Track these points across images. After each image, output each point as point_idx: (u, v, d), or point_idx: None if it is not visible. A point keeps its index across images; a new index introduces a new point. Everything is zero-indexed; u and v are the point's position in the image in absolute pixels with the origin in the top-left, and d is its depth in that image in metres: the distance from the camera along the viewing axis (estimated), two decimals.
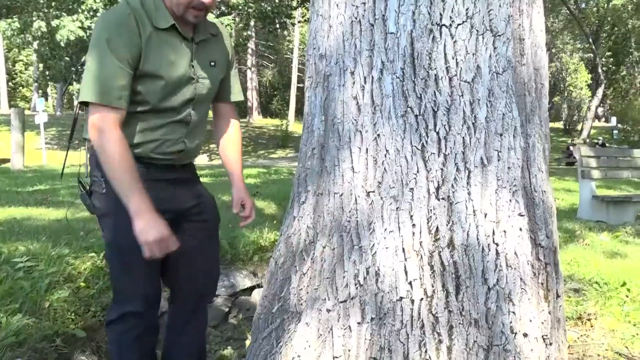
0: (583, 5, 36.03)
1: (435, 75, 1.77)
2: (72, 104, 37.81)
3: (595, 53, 32.73)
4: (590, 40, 33.18)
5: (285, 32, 30.42)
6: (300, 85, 36.65)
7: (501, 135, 1.77)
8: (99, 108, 1.54)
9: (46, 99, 39.74)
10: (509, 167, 1.77)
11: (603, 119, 42.56)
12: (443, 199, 1.74)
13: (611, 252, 3.76)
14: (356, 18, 1.89)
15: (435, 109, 1.77)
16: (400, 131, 1.79)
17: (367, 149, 1.84)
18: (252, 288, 2.97)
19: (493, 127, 1.77)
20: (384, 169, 1.81)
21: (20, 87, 42.71)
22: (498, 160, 1.76)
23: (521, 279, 1.74)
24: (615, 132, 25.81)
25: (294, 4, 20.51)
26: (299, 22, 24.56)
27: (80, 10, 17.67)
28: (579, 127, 35.27)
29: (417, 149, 1.77)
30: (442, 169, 1.75)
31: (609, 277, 3.14)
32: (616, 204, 5.05)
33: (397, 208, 1.78)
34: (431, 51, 1.78)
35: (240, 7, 20.77)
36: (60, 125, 26.60)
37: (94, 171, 1.73)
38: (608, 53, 38.15)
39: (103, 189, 1.69)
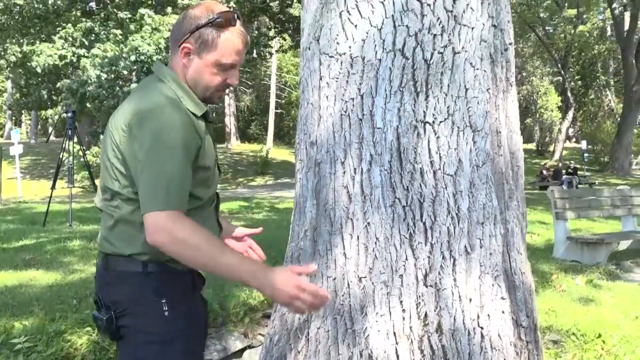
0: (551, 31, 37.27)
1: (421, 168, 1.90)
2: (46, 130, 37.29)
3: (564, 77, 33.84)
4: (559, 65, 34.32)
5: (263, 61, 30.75)
6: (278, 110, 36.94)
7: (482, 224, 1.90)
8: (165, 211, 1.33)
9: (20, 126, 39.19)
10: (490, 254, 1.90)
11: (574, 140, 43.73)
12: (431, 285, 1.86)
13: (586, 299, 3.93)
14: (345, 112, 2.01)
15: (421, 200, 1.89)
16: (389, 220, 1.91)
17: (358, 236, 1.95)
18: (243, 350, 3.03)
19: (475, 216, 1.90)
20: (375, 255, 1.92)
21: None
22: (480, 247, 1.89)
23: (505, 359, 1.85)
24: (585, 154, 26.52)
25: (271, 34, 20.83)
26: (276, 51, 24.90)
27: (56, 39, 17.58)
28: (551, 149, 36.24)
29: (406, 237, 1.89)
30: (429, 257, 1.87)
31: (585, 328, 3.28)
32: (589, 245, 5.27)
33: (387, 293, 1.88)
34: (416, 146, 1.91)
35: None
36: (35, 153, 26.24)
37: (140, 294, 1.46)
38: (576, 77, 39.43)
39: (165, 311, 1.45)
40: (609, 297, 4.00)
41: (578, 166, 24.77)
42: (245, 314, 3.12)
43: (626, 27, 27.96)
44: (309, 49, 2.21)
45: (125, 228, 1.45)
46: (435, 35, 1.93)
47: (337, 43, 2.05)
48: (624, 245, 5.55)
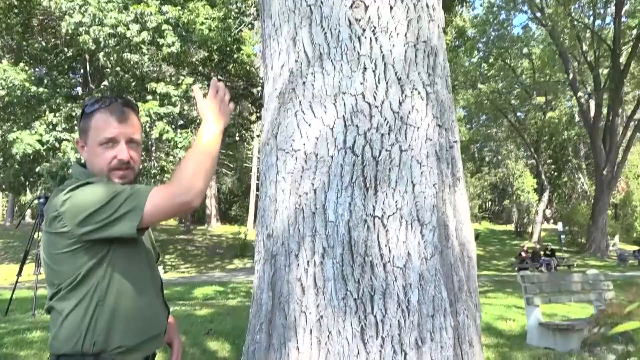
0: (522, 117, 39.00)
1: (371, 261, 1.95)
2: (23, 213, 36.70)
3: (537, 160, 35.03)
4: (532, 149, 35.63)
5: (245, 143, 31.41)
6: (259, 192, 37.13)
7: (432, 316, 1.93)
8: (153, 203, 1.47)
9: None
10: (441, 347, 1.91)
11: (552, 221, 44.45)
12: None
13: None
14: (299, 205, 2.09)
15: (372, 293, 1.93)
16: (341, 313, 1.93)
17: (311, 330, 1.96)
18: None
19: (425, 309, 1.93)
20: (327, 349, 1.91)
21: None
22: (431, 340, 1.91)
23: None
24: (562, 236, 26.88)
25: (253, 118, 21.45)
26: (257, 135, 25.52)
27: (37, 125, 17.75)
28: (529, 230, 36.70)
29: (357, 331, 1.90)
30: (380, 351, 1.87)
31: None
32: (561, 331, 5.24)
33: None
34: (366, 239, 1.97)
35: (199, 121, 21.53)
36: (9, 236, 25.73)
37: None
38: (549, 160, 40.81)
39: None
40: None
41: (556, 248, 25.00)
42: None
43: (592, 114, 29.41)
44: (268, 144, 2.31)
45: (70, 324, 1.50)
46: (383, 134, 2.06)
47: (293, 140, 2.16)
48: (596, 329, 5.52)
